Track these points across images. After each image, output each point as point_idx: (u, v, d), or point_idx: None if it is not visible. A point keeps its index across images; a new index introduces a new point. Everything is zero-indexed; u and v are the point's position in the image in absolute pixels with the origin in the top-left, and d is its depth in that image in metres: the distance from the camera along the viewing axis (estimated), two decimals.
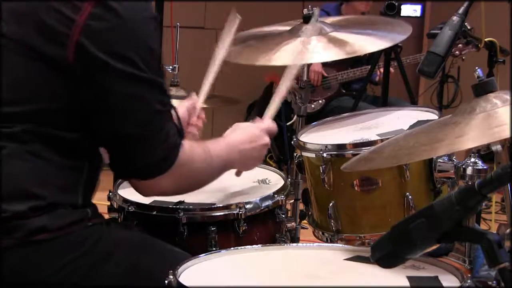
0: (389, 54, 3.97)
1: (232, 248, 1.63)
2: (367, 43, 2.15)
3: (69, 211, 1.51)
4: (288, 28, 2.27)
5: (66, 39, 1.44)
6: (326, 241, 2.03)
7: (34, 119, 1.48)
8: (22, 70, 1.48)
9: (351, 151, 1.95)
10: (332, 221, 1.98)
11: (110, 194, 1.97)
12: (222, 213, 1.84)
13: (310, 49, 2.13)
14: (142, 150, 1.53)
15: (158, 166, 1.54)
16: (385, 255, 1.19)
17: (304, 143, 2.06)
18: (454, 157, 1.90)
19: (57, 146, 1.50)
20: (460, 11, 1.95)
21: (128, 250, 1.58)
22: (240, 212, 1.83)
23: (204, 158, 1.65)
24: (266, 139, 1.85)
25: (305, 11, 2.23)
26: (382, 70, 4.30)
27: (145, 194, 1.66)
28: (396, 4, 4.02)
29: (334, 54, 2.13)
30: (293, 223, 2.06)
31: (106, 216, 2.01)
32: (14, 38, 1.48)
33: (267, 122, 1.91)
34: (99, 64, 1.45)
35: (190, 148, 1.60)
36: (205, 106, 2.68)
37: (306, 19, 2.22)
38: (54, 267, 1.48)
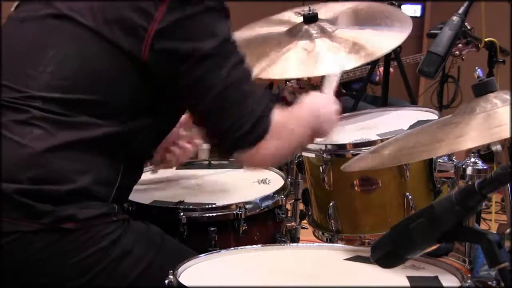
0: (389, 54, 3.96)
1: (232, 248, 1.64)
2: (379, 42, 2.13)
3: (98, 203, 1.54)
4: (285, 28, 2.25)
5: (144, 33, 1.51)
6: (326, 241, 2.03)
7: (92, 110, 1.53)
8: (93, 61, 1.54)
9: (351, 151, 1.95)
10: (332, 221, 1.98)
11: None
12: (222, 213, 1.84)
13: (319, 55, 2.12)
14: (231, 121, 1.57)
15: (253, 134, 1.58)
16: (385, 255, 1.19)
17: None
18: (454, 157, 1.90)
19: (102, 141, 1.54)
20: (460, 11, 1.95)
21: (146, 249, 1.60)
22: (240, 212, 1.83)
23: (293, 120, 1.70)
24: (336, 106, 1.86)
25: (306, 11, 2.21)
26: (382, 69, 4.29)
27: (254, 165, 1.72)
28: (396, 4, 4.02)
29: (349, 61, 2.09)
30: (293, 223, 2.06)
31: None
32: (93, 30, 1.54)
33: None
34: (173, 51, 1.53)
35: (281, 116, 1.64)
36: None
37: (307, 20, 2.21)
38: (75, 257, 1.50)
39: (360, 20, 2.27)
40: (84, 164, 1.53)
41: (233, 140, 1.59)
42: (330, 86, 1.95)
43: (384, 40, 2.15)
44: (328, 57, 2.11)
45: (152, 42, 1.52)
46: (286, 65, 2.13)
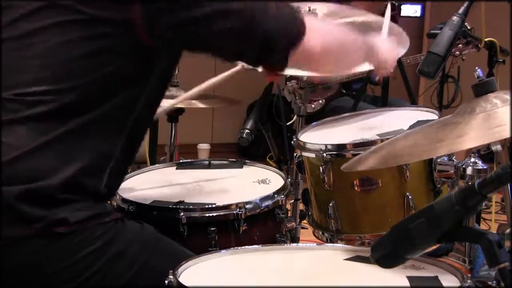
0: None
1: (232, 248, 1.63)
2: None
3: (89, 204, 1.53)
4: None
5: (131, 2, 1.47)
6: (326, 241, 2.03)
7: (83, 94, 1.50)
8: (80, 42, 1.50)
9: (351, 151, 1.95)
10: (332, 221, 1.98)
11: None
12: (222, 213, 1.84)
13: None
14: (266, 27, 1.53)
15: (293, 26, 1.55)
16: (385, 255, 1.19)
17: (304, 143, 2.06)
18: (454, 157, 1.90)
19: (93, 125, 1.51)
20: (460, 11, 1.95)
21: (140, 250, 1.59)
22: (240, 212, 1.83)
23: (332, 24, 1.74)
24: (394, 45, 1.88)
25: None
26: None
27: (310, 62, 1.65)
28: (396, 4, 4.02)
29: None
30: (293, 223, 2.06)
31: None
32: (77, 9, 1.49)
33: None
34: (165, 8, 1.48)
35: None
36: (205, 106, 2.69)
37: None
38: (69, 261, 1.49)
39: (358, 29, 2.27)
40: (73, 154, 1.50)
41: (281, 42, 1.54)
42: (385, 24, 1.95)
43: None
44: None
45: (142, 8, 1.47)
46: None
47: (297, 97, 2.38)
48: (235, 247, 1.64)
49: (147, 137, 3.67)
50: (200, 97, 2.64)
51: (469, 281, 1.34)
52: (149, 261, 1.59)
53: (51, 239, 1.48)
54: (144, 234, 1.65)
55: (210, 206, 1.85)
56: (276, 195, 1.93)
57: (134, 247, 1.58)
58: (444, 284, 1.39)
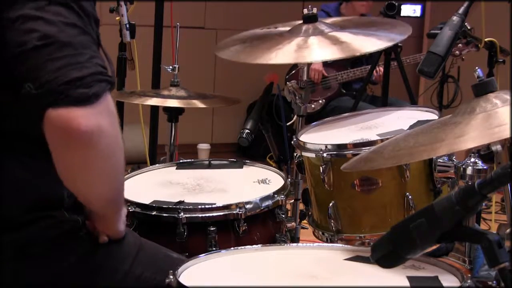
0: (389, 54, 3.98)
1: (232, 248, 1.64)
2: (366, 43, 2.14)
3: (59, 220, 1.45)
4: (288, 28, 2.28)
5: None
6: (326, 241, 2.03)
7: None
8: None
9: (351, 151, 1.95)
10: (332, 221, 1.98)
11: None
12: (222, 213, 1.84)
13: (309, 47, 2.13)
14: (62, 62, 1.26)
15: (88, 88, 1.26)
16: (385, 255, 1.19)
17: (304, 143, 2.07)
18: (454, 157, 1.90)
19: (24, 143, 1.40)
20: (460, 11, 1.95)
21: (119, 262, 1.53)
22: (240, 212, 1.83)
23: (118, 136, 1.35)
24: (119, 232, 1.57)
25: (305, 11, 2.23)
26: (378, 69, 4.31)
27: (66, 133, 1.27)
28: (396, 4, 4.02)
29: (332, 53, 2.12)
30: (293, 223, 2.07)
31: None
32: None
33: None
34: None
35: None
36: (205, 106, 2.69)
37: (307, 19, 2.22)
38: (45, 280, 1.44)
39: (359, 25, 2.28)
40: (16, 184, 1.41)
41: (59, 87, 1.25)
42: None
43: (375, 40, 2.15)
44: (315, 48, 2.12)
45: None
46: (282, 53, 2.12)
47: (297, 97, 2.38)
48: (235, 247, 1.64)
49: (147, 137, 3.67)
50: (200, 96, 2.64)
51: (469, 281, 1.35)
52: (130, 273, 1.52)
53: (26, 262, 1.41)
54: (124, 246, 1.55)
55: (210, 206, 1.85)
56: (276, 195, 1.93)
57: (112, 260, 1.51)
58: (444, 284, 1.39)
